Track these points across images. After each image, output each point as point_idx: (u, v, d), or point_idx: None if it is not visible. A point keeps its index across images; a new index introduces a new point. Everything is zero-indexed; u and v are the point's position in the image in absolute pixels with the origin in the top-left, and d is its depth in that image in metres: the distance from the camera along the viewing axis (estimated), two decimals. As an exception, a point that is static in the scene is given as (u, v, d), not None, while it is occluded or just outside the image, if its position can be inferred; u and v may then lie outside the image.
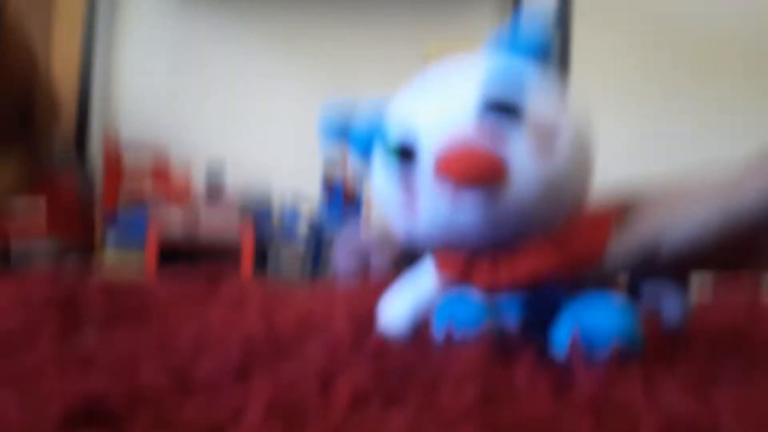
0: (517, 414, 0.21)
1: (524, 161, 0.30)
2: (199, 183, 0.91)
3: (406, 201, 0.32)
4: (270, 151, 1.14)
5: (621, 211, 0.39)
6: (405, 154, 0.31)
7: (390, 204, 0.34)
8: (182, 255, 0.73)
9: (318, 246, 0.82)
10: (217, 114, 1.14)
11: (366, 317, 0.35)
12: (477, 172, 0.29)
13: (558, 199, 0.32)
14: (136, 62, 1.14)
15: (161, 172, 0.88)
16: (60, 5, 1.11)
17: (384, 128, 0.34)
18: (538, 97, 0.32)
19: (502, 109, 0.30)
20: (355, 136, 0.36)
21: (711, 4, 1.19)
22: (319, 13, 1.14)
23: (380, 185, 0.34)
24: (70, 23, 1.10)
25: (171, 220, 0.74)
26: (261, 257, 0.76)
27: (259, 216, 0.80)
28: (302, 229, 0.79)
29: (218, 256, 0.74)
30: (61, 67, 1.09)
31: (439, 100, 0.32)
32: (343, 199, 0.90)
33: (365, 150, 0.36)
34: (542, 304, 0.32)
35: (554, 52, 0.98)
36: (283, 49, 1.15)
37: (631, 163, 1.16)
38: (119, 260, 0.79)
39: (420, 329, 0.33)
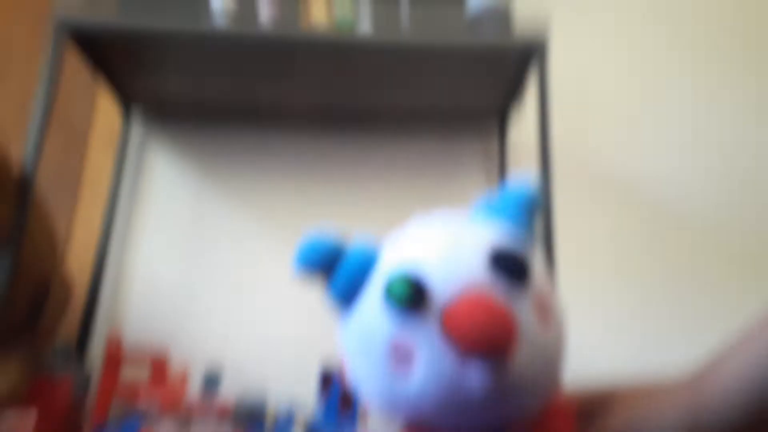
0: None
1: (530, 327, 0.28)
2: (195, 386, 0.90)
3: (399, 358, 0.28)
4: (269, 353, 1.14)
5: (589, 405, 0.37)
6: (412, 301, 0.27)
7: (373, 362, 0.29)
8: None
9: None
10: (220, 312, 1.16)
11: None
12: (494, 331, 0.25)
13: (551, 374, 0.30)
14: (148, 252, 1.19)
15: (158, 380, 0.88)
16: (86, 187, 1.20)
17: (380, 271, 0.30)
18: (538, 268, 0.30)
19: (513, 271, 0.28)
20: (340, 273, 0.31)
21: (689, 199, 1.28)
22: (325, 208, 1.23)
23: (361, 337, 0.30)
24: (94, 204, 1.18)
25: (160, 436, 0.72)
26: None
27: (252, 426, 0.77)
28: (296, 443, 0.76)
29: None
30: (78, 250, 1.14)
31: (450, 249, 0.29)
32: (339, 405, 0.88)
33: (347, 291, 0.31)
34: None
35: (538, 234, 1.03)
36: (290, 244, 1.21)
37: (604, 355, 1.15)
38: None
39: None
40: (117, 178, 1.19)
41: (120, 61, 1.05)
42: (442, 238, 0.30)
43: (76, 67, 1.22)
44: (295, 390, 1.09)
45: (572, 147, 1.30)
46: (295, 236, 1.33)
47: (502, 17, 1.07)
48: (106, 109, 1.27)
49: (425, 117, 1.25)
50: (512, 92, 1.14)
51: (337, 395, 0.88)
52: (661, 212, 1.27)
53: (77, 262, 1.15)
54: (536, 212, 0.34)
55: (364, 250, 0.31)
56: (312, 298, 1.18)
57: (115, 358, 0.87)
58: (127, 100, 1.20)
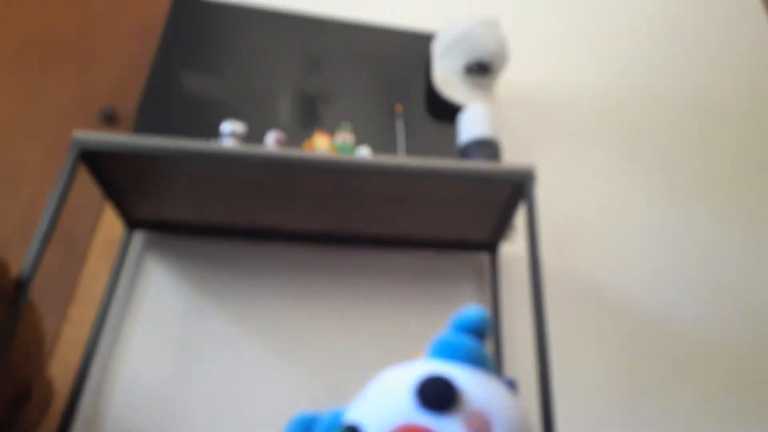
0: None
1: None
2: None
3: None
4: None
5: None
6: None
7: None
8: None
9: None
10: (202, 423, 1.11)
11: None
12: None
13: None
14: (135, 359, 1.15)
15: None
16: (81, 290, 1.20)
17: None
18: (478, 389, 0.34)
19: (436, 399, 0.32)
20: None
21: (668, 308, 1.32)
22: (317, 324, 1.23)
23: None
24: (87, 307, 1.17)
25: None
26: None
27: None
28: None
29: None
30: (66, 351, 1.11)
31: (380, 396, 0.34)
32: None
33: None
34: None
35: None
36: (279, 355, 1.20)
37: None
38: None
39: None
40: (112, 284, 1.20)
41: (127, 180, 1.11)
42: (375, 389, 0.37)
43: (85, 184, 1.29)
44: None
45: (559, 265, 1.36)
46: (287, 350, 1.34)
47: (491, 147, 1.17)
48: (110, 219, 1.32)
49: (420, 243, 1.31)
50: (503, 221, 1.19)
51: None
52: (643, 320, 1.32)
53: (63, 363, 1.12)
54: (485, 333, 0.40)
55: (334, 415, 0.38)
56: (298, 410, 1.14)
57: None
58: (131, 218, 1.25)
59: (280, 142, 1.14)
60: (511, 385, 0.84)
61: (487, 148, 1.17)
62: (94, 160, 1.04)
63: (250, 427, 1.12)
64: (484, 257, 1.34)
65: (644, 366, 1.27)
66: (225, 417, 1.13)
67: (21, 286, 0.86)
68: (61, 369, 1.12)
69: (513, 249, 1.36)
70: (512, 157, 1.49)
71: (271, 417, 1.13)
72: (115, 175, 1.09)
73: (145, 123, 1.29)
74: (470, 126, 1.19)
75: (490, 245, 1.30)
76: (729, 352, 1.31)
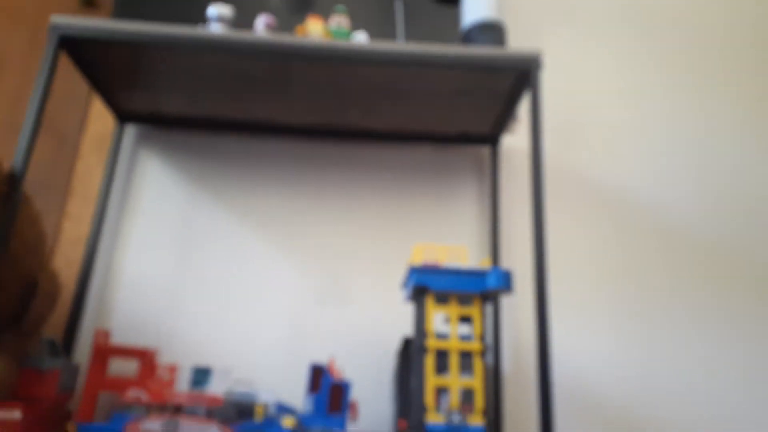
0: None
1: None
2: (184, 387, 0.89)
3: None
4: (260, 353, 1.13)
5: None
6: None
7: None
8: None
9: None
10: (208, 314, 1.16)
11: None
12: None
13: None
14: (137, 253, 1.18)
15: (146, 374, 0.87)
16: (76, 187, 1.20)
17: None
18: None
19: None
20: None
21: (669, 208, 1.32)
22: (317, 214, 1.24)
23: None
24: (83, 204, 1.18)
25: (149, 430, 0.71)
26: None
27: (240, 426, 0.77)
28: (284, 441, 0.75)
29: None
30: (67, 249, 1.14)
31: None
32: (328, 407, 0.87)
33: None
34: None
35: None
36: (280, 245, 1.22)
37: (587, 355, 1.18)
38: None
39: None
40: (108, 179, 1.19)
41: (114, 70, 1.06)
42: None
43: (72, 77, 1.23)
44: (283, 391, 1.08)
45: (562, 160, 1.34)
46: (285, 241, 1.35)
47: (496, 32, 1.10)
48: (99, 112, 1.28)
49: (419, 136, 1.27)
50: (505, 113, 1.14)
51: (327, 389, 0.88)
52: (645, 221, 1.31)
53: (65, 259, 1.14)
54: None
55: None
56: (301, 297, 1.18)
57: (102, 351, 0.86)
58: (121, 112, 1.21)
59: (270, 27, 1.07)
60: (507, 277, 0.85)
61: (492, 32, 1.10)
62: (75, 47, 0.99)
63: (252, 315, 1.16)
64: (485, 150, 1.32)
65: (643, 267, 1.28)
66: (228, 306, 1.17)
67: (14, 178, 0.85)
68: (64, 265, 1.14)
69: (515, 142, 1.33)
70: (517, 45, 1.41)
71: (272, 305, 1.17)
72: (99, 64, 1.04)
73: (125, 7, 1.21)
74: (475, 7, 1.11)
75: (491, 138, 1.27)
76: (733, 255, 1.31)
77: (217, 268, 1.19)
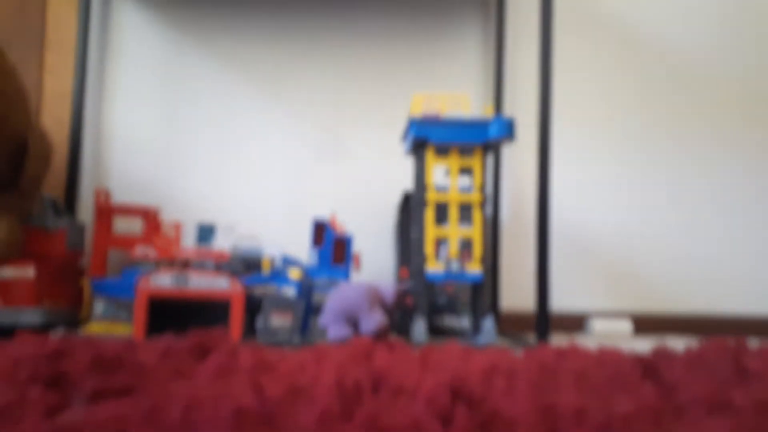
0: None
1: None
2: (189, 244, 0.92)
3: None
4: (260, 209, 1.15)
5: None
6: None
7: None
8: (172, 318, 0.72)
9: (308, 308, 0.82)
10: (206, 170, 1.15)
11: (356, 385, 0.35)
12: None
13: None
14: (125, 108, 1.14)
15: (152, 232, 0.88)
16: (50, 42, 1.13)
17: None
18: None
19: None
20: None
21: (685, 47, 1.26)
22: (310, 63, 1.18)
23: None
24: (61, 60, 1.12)
25: (160, 284, 0.74)
26: (250, 320, 0.76)
27: (249, 278, 0.80)
28: (291, 291, 0.79)
29: (208, 319, 0.73)
30: (51, 107, 1.10)
31: None
32: (332, 258, 0.90)
33: None
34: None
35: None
36: (273, 97, 1.18)
37: (594, 201, 1.20)
38: (107, 330, 0.78)
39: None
40: (83, 27, 1.10)
41: None
42: None
43: None
44: (285, 246, 1.11)
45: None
46: (276, 89, 1.30)
47: None
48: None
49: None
50: None
51: (330, 243, 0.90)
52: (655, 54, 1.25)
53: (53, 117, 1.11)
54: None
55: None
56: (298, 152, 1.17)
57: (105, 209, 0.87)
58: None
59: None
60: (509, 125, 0.83)
61: None
62: None
63: (251, 172, 1.16)
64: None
65: (650, 110, 1.24)
66: (225, 163, 1.16)
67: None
68: (53, 123, 1.10)
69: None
70: None
71: (269, 162, 1.16)
72: None
73: None
74: None
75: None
76: (744, 93, 1.26)
77: (209, 122, 1.16)
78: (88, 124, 1.13)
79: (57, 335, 0.49)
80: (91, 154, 1.13)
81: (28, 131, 0.82)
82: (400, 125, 1.17)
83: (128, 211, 0.89)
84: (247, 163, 1.16)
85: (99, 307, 0.78)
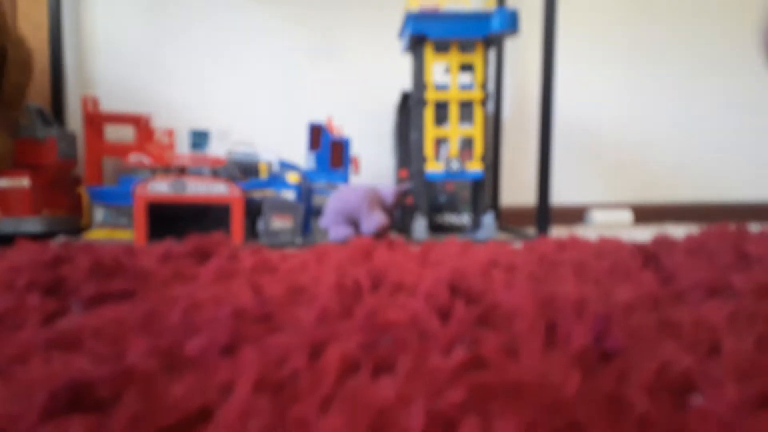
0: (504, 376, 0.21)
1: None
2: (184, 151, 0.90)
3: None
4: (255, 115, 1.11)
5: None
6: None
7: None
8: (174, 224, 0.72)
9: (308, 211, 0.81)
10: (196, 75, 1.11)
11: (355, 284, 0.35)
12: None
13: None
14: (107, 14, 1.09)
15: (144, 139, 0.86)
16: None
17: None
18: None
19: None
20: None
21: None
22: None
23: None
24: None
25: (158, 191, 0.73)
26: (251, 224, 0.76)
27: (247, 182, 0.79)
28: (290, 194, 0.78)
29: (209, 225, 0.73)
30: (28, 14, 1.04)
31: None
32: (330, 162, 0.89)
33: None
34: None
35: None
36: (267, 3, 1.11)
37: (600, 88, 1.18)
38: (109, 236, 0.79)
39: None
40: None
41: None
42: None
43: None
44: (281, 151, 1.09)
45: None
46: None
47: None
48: None
49: None
50: None
51: (327, 146, 0.88)
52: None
53: (30, 22, 1.04)
54: None
55: None
56: (292, 54, 1.12)
57: (94, 118, 0.84)
58: None
59: None
60: (513, 17, 0.78)
61: None
62: None
63: (242, 75, 1.11)
64: None
65: (654, 7, 1.17)
66: (214, 65, 1.11)
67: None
68: (30, 27, 1.04)
69: None
70: None
71: (261, 65, 1.11)
72: None
73: None
74: None
75: None
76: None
77: (198, 24, 1.09)
78: (66, 27, 1.07)
79: (57, 242, 0.49)
80: (74, 62, 1.08)
81: (4, 36, 0.77)
82: (397, 23, 1.11)
83: (119, 118, 0.86)
84: (238, 68, 1.11)
85: (99, 214, 0.78)
